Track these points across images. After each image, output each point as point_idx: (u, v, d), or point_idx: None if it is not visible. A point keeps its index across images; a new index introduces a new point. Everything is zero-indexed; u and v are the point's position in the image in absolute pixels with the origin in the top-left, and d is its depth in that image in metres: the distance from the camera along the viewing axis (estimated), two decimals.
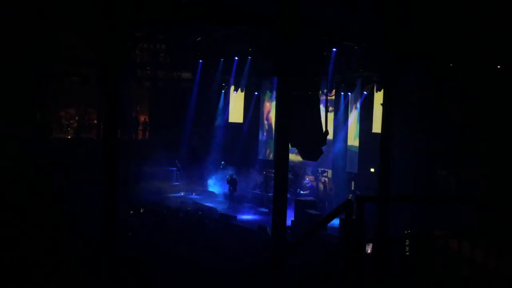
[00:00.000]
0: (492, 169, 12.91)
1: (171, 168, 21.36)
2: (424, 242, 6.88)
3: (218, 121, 22.49)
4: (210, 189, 21.23)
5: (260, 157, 22.12)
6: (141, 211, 16.27)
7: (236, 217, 17.22)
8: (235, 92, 22.08)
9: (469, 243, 4.99)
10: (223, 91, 22.41)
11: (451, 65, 13.82)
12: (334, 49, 14.87)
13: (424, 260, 6.22)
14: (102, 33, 8.85)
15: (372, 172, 16.91)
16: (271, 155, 21.04)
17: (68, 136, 22.17)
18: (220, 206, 18.98)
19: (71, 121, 23.17)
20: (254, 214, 18.33)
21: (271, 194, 14.05)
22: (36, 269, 8.91)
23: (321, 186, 19.69)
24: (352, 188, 18.21)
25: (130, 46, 9.43)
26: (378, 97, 16.17)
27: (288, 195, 13.33)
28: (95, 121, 21.98)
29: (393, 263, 7.34)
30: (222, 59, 19.99)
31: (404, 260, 7.41)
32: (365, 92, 18.02)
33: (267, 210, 18.14)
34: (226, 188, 19.84)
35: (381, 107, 13.04)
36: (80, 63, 18.67)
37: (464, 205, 9.80)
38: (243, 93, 22.17)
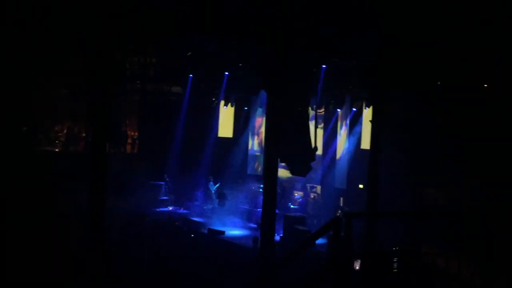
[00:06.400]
0: (480, 186, 13.01)
1: (159, 182, 21.21)
2: (411, 258, 6.89)
3: (208, 136, 22.44)
4: (199, 203, 21.08)
5: (249, 171, 22.08)
6: (128, 225, 16.07)
7: (224, 232, 17.10)
8: (225, 106, 22.14)
9: (456, 259, 5.00)
10: (212, 105, 22.45)
11: (438, 83, 14.01)
12: (324, 66, 15.02)
13: (411, 276, 6.21)
14: (92, 45, 8.85)
15: (360, 188, 16.95)
16: (260, 169, 21.02)
17: (56, 149, 21.93)
18: (208, 221, 18.83)
19: (59, 134, 22.94)
20: (243, 229, 18.22)
21: (260, 209, 14.00)
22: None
23: (310, 201, 19.66)
24: (341, 204, 18.21)
25: (120, 58, 9.45)
26: (367, 114, 16.32)
27: (277, 211, 13.32)
28: (84, 134, 21.80)
29: (381, 279, 7.32)
30: (212, 74, 20.03)
31: (392, 276, 7.39)
32: (354, 109, 18.17)
33: (255, 225, 18.05)
34: (215, 203, 19.72)
35: (369, 124, 13.15)
36: (69, 75, 18.53)
37: (452, 221, 9.85)
38: (233, 108, 22.23)
